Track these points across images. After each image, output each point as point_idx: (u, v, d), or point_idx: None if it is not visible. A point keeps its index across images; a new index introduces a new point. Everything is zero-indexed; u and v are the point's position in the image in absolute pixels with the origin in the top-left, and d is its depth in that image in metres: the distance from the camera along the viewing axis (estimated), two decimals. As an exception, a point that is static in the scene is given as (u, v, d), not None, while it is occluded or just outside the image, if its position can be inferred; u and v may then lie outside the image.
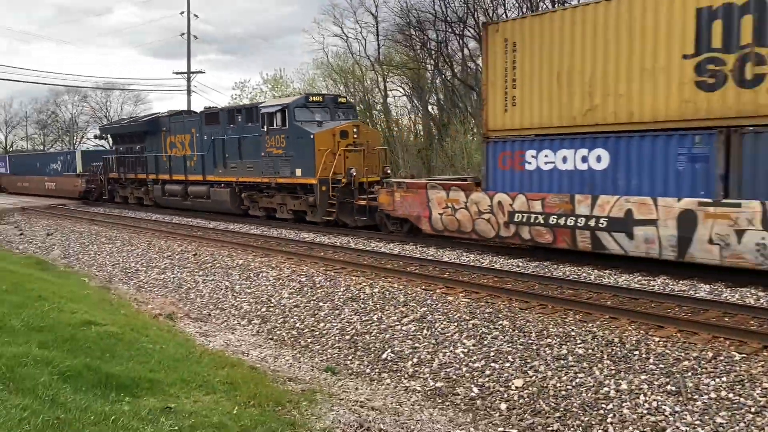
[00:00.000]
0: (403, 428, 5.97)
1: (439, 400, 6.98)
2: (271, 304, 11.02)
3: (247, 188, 21.09)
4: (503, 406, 6.69)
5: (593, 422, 6.14)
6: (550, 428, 6.18)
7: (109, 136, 31.73)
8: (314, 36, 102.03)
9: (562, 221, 12.05)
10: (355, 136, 18.39)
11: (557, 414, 6.38)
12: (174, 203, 24.89)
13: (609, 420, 6.12)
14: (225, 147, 21.51)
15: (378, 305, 10.13)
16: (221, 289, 12.32)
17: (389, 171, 19.47)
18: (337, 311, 10.18)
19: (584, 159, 11.92)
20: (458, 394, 7.06)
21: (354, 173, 17.74)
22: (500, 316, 9.05)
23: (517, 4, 34.40)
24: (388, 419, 6.15)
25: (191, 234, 18.87)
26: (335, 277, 12.02)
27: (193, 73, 44.59)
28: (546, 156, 12.50)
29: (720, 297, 9.56)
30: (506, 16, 35.80)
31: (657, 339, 7.75)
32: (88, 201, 31.47)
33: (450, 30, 38.12)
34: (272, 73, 54.65)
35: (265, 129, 19.52)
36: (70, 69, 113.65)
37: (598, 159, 11.70)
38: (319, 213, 18.18)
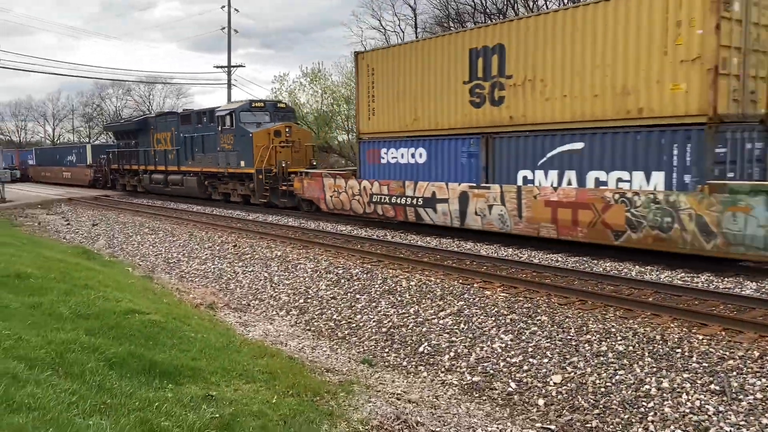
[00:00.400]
0: (439, 422, 5.98)
1: (476, 395, 6.97)
2: (309, 296, 11.13)
3: (208, 177, 25.80)
4: (541, 401, 6.64)
5: (633, 420, 6.05)
6: (589, 425, 6.11)
7: (111, 133, 37.85)
8: (352, 29, 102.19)
9: (398, 200, 16.56)
10: (288, 134, 22.82)
11: (596, 411, 6.31)
12: (158, 190, 29.28)
13: (650, 418, 6.02)
14: (193, 143, 26.12)
15: (415, 298, 10.15)
16: (260, 280, 12.50)
17: (315, 163, 23.50)
18: (373, 304, 10.22)
19: (413, 155, 16.53)
20: (495, 389, 7.03)
21: (284, 165, 22.10)
22: (539, 311, 8.96)
23: (558, -5, 33.88)
24: (425, 412, 6.16)
25: (230, 225, 19.17)
26: (372, 270, 12.07)
27: (233, 67, 45.20)
28: (392, 153, 17.13)
29: (767, 295, 9.28)
30: (546, 7, 35.27)
31: (700, 337, 7.57)
32: (95, 186, 36.72)
33: (490, 22, 37.75)
34: (311, 66, 55.00)
35: (220, 129, 24.13)
36: (115, 63, 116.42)
37: (420, 155, 16.31)
38: (257, 196, 22.60)
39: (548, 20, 13.00)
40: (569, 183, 12.86)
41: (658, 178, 11.51)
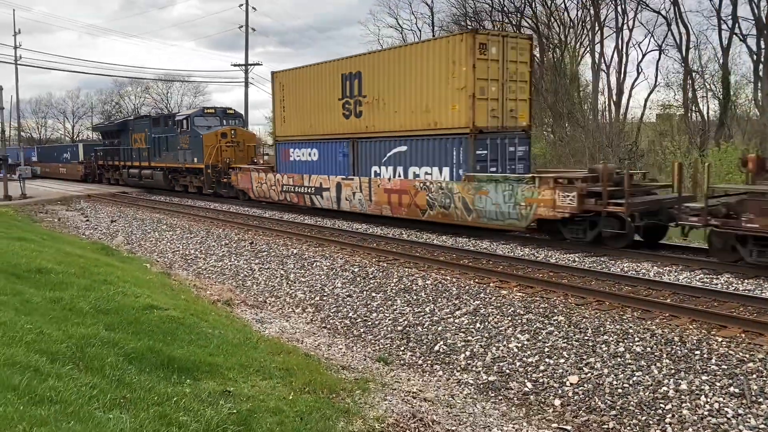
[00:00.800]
0: (455, 420, 5.98)
1: (492, 394, 6.96)
2: (325, 294, 11.17)
3: (171, 171, 29.97)
4: (557, 402, 6.61)
5: (651, 422, 6.01)
6: (606, 426, 6.08)
7: (99, 133, 42.89)
8: (369, 27, 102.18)
9: (299, 189, 21.16)
10: (233, 136, 27.35)
11: (613, 412, 6.27)
12: (134, 182, 33.66)
13: (667, 420, 5.97)
14: (160, 142, 30.35)
15: (430, 297, 10.14)
16: (276, 278, 12.56)
17: (255, 160, 26.89)
18: (389, 302, 10.23)
19: (309, 154, 20.95)
20: (511, 389, 7.02)
21: (228, 161, 26.39)
22: (555, 311, 8.92)
23: (576, -7, 33.60)
24: (441, 411, 6.17)
25: (247, 223, 19.28)
26: (388, 268, 12.08)
27: (251, 65, 45.42)
28: (297, 152, 21.57)
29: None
30: (565, 6, 35.02)
31: (719, 339, 7.50)
32: (86, 181, 40.49)
33: (507, 20, 37.55)
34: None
35: (179, 131, 28.65)
36: (134, 61, 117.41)
37: (314, 155, 20.70)
38: (206, 187, 27.10)
39: (385, 55, 17.96)
40: (399, 175, 17.40)
41: (446, 171, 16.00)
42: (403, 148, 17.16)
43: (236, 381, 5.59)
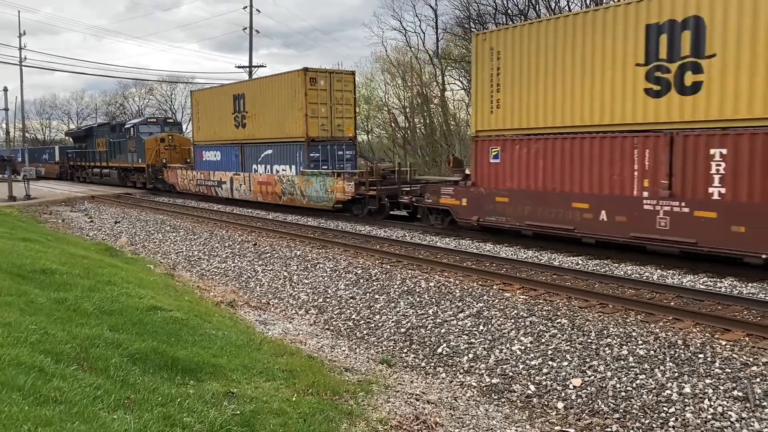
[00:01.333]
0: (458, 423, 5.98)
1: (495, 397, 6.95)
2: (328, 295, 11.18)
3: (123, 170, 35.82)
4: (560, 405, 6.61)
5: (654, 425, 6.00)
6: (609, 429, 6.07)
7: (70, 137, 49.36)
8: (373, 30, 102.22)
9: (207, 183, 27.07)
10: (170, 141, 32.97)
11: (616, 415, 6.26)
12: (97, 180, 39.38)
13: (671, 423, 5.96)
14: (115, 146, 36.39)
15: (434, 299, 10.14)
16: (280, 279, 12.57)
17: (188, 161, 30.66)
18: (392, 304, 10.24)
19: (214, 156, 27.00)
20: (514, 391, 7.01)
21: (164, 162, 31.66)
22: (559, 314, 8.92)
23: (580, -4, 33.61)
24: (444, 413, 6.17)
25: (251, 225, 19.31)
26: (391, 270, 12.09)
27: (255, 67, 45.57)
28: (207, 154, 27.55)
29: (792, 301, 9.15)
30: (569, 8, 35.05)
31: (723, 342, 7.49)
32: (61, 179, 45.89)
33: (511, 23, 37.55)
34: (331, 67, 55.15)
35: (128, 137, 34.62)
36: (139, 62, 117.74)
37: (217, 156, 26.75)
38: (148, 183, 33.02)
39: (258, 82, 24.88)
40: (267, 171, 23.66)
41: (293, 168, 22.33)
42: (270, 151, 23.69)
43: (240, 382, 5.60)
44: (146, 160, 32.41)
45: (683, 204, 11.38)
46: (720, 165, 10.95)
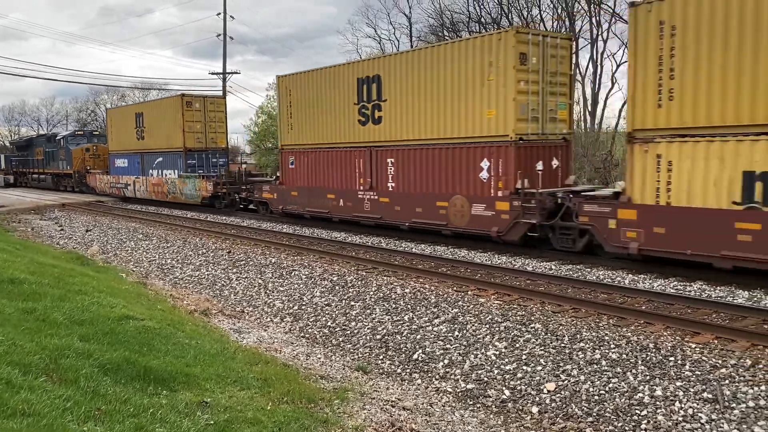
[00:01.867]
0: (434, 429, 5.99)
1: (471, 402, 6.98)
2: (303, 303, 11.13)
3: (56, 176, 40.73)
4: (535, 409, 6.66)
5: (626, 428, 6.07)
6: (583, 433, 6.13)
7: (15, 147, 54.29)
8: (348, 37, 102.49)
9: (118, 185, 32.06)
10: (95, 150, 37.74)
11: (590, 419, 6.33)
12: (35, 184, 44.21)
13: (643, 426, 6.05)
14: (49, 155, 41.38)
15: (409, 306, 10.16)
16: (254, 287, 12.48)
17: (108, 168, 35.38)
18: (368, 311, 10.23)
19: (123, 162, 32.12)
20: (489, 397, 7.05)
21: (87, 168, 36.78)
22: (533, 318, 8.99)
23: (551, 5, 34.06)
24: (420, 419, 6.17)
25: (225, 232, 19.15)
26: (367, 277, 12.08)
27: (229, 73, 45.29)
28: (118, 161, 32.71)
29: (759, 304, 9.35)
30: (541, 18, 35.47)
31: (693, 345, 7.62)
32: (15, 186, 49.01)
33: (484, 31, 37.87)
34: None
35: (58, 147, 40.05)
36: (111, 69, 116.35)
37: (125, 162, 32.00)
38: (75, 186, 37.88)
39: (151, 104, 31.31)
40: (159, 175, 29.02)
41: (176, 172, 27.77)
42: (161, 159, 29.08)
43: (213, 392, 5.54)
44: (73, 167, 37.85)
45: (375, 194, 17.59)
46: (391, 168, 17.22)
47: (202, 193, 25.64)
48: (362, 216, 17.90)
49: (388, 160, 17.13)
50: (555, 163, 15.03)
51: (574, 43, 16.38)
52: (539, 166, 14.57)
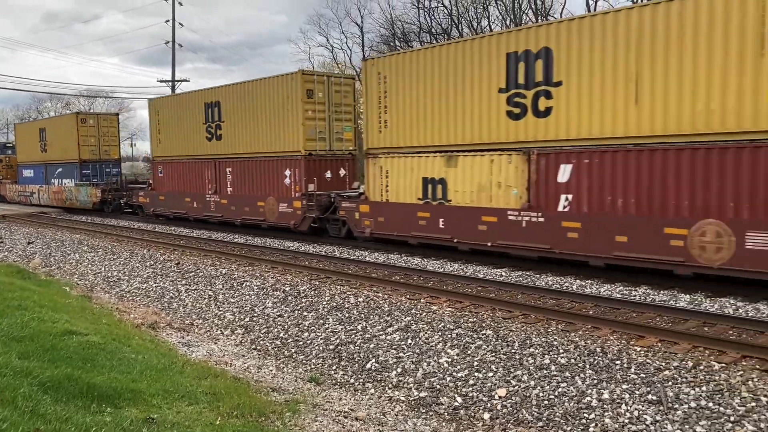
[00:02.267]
0: (386, 438, 5.97)
1: (423, 410, 6.99)
2: (255, 314, 10.98)
3: None
4: (486, 415, 6.72)
5: (576, 431, 6.18)
6: (533, 438, 6.21)
7: None
8: (300, 46, 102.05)
9: (25, 194, 35.73)
10: (8, 161, 40.75)
11: (540, 423, 6.42)
12: None
13: (591, 429, 6.16)
14: None
15: (362, 315, 10.13)
16: (204, 299, 12.25)
17: (17, 179, 38.31)
18: (321, 321, 10.16)
19: (30, 173, 35.40)
20: (442, 404, 7.08)
21: (1, 178, 39.91)
22: (484, 325, 9.09)
23: (500, 17, 34.70)
24: (372, 429, 6.15)
25: (174, 243, 18.75)
26: (320, 287, 12.00)
27: (177, 81, 44.51)
28: (26, 171, 35.70)
29: (700, 307, 9.69)
30: (490, 28, 36.10)
31: (638, 349, 7.82)
32: None
33: (435, 42, 38.29)
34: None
35: None
36: (55, 76, 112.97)
37: (31, 173, 35.38)
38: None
39: (55, 120, 34.26)
40: (59, 184, 31.72)
41: (73, 181, 30.61)
42: (60, 169, 31.75)
43: (160, 407, 5.40)
44: None
45: (218, 197, 21.93)
46: (229, 176, 21.40)
47: (93, 199, 29.13)
48: (209, 215, 22.07)
49: (227, 170, 21.38)
50: (342, 171, 19.62)
51: (357, 82, 20.71)
52: (328, 174, 19.15)
